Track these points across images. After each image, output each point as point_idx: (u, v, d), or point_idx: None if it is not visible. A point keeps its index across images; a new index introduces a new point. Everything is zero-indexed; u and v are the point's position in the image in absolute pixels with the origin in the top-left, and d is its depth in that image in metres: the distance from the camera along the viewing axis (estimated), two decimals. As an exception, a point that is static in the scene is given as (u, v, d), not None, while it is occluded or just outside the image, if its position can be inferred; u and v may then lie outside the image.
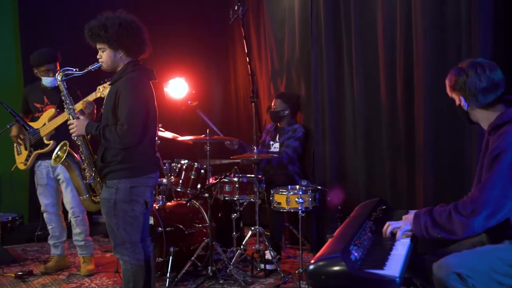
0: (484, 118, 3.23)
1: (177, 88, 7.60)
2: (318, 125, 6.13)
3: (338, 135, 5.96)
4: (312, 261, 2.75)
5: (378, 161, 5.46)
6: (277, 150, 6.34)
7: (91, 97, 4.77)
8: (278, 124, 6.50)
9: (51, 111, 5.59)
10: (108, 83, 4.78)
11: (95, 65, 4.04)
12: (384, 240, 3.23)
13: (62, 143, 4.28)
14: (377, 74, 5.34)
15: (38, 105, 5.71)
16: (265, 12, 7.01)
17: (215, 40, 7.96)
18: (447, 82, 3.33)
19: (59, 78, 4.09)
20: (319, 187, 5.57)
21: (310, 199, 5.47)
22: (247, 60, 6.50)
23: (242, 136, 6.90)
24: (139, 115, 3.90)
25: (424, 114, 4.69)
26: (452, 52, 4.48)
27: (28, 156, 5.72)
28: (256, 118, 6.77)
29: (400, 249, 3.03)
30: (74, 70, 4.08)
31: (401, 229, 3.26)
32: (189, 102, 7.34)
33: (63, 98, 4.12)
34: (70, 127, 4.09)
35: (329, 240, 3.08)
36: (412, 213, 3.32)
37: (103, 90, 4.72)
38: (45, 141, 5.58)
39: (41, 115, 5.67)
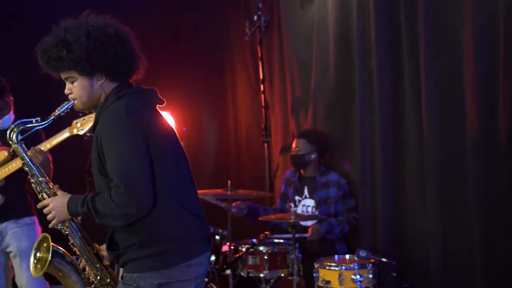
0: None
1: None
2: (366, 172, 4.88)
3: (395, 186, 4.75)
4: None
5: (461, 223, 4.30)
6: (312, 208, 5.00)
7: (55, 140, 3.88)
8: (302, 171, 5.12)
9: (1, 154, 4.26)
10: (90, 114, 3.79)
11: (65, 107, 2.88)
12: None
13: (40, 237, 3.03)
14: (461, 99, 4.25)
15: None
16: (284, 25, 5.72)
17: (208, 64, 6.60)
18: None
19: (13, 138, 2.90)
20: (384, 260, 4.36)
21: (371, 276, 4.30)
22: (262, 88, 5.35)
23: (244, 186, 5.52)
24: (137, 165, 2.67)
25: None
26: None
27: None
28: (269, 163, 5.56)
29: None
30: (34, 121, 2.89)
31: None
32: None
33: (26, 168, 2.95)
34: (45, 211, 2.86)
35: None
36: None
37: (81, 126, 3.75)
38: None
39: None
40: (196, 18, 6.51)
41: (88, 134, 3.82)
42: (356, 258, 4.36)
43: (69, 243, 2.93)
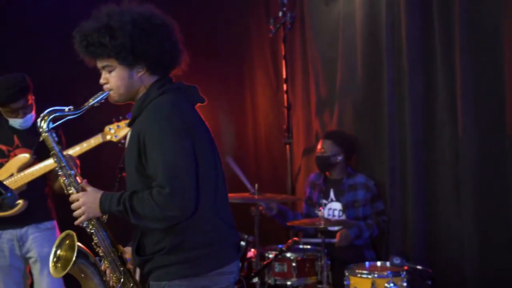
0: None
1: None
2: (395, 175, 4.69)
3: (427, 190, 4.56)
4: None
5: (500, 230, 4.15)
6: (339, 212, 4.84)
7: (85, 145, 3.76)
8: (327, 173, 4.94)
9: (23, 157, 4.11)
10: (125, 121, 3.75)
11: (99, 97, 2.73)
12: None
13: (63, 234, 2.87)
14: (500, 100, 4.09)
15: (3, 147, 4.19)
16: (307, 22, 5.54)
17: (225, 63, 6.42)
18: None
19: (44, 126, 2.75)
20: (420, 267, 4.18)
21: (405, 284, 4.12)
22: (285, 87, 5.28)
23: (263, 188, 5.31)
24: (184, 166, 2.54)
25: None
26: None
27: None
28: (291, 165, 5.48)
29: None
30: (66, 109, 2.74)
31: None
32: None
33: (55, 159, 2.79)
34: (73, 206, 2.72)
35: None
36: None
37: (116, 132, 3.69)
38: None
39: (6, 161, 4.15)
40: (213, 16, 6.34)
41: (122, 141, 3.72)
42: (388, 265, 4.23)
43: (93, 243, 2.78)
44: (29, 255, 4.19)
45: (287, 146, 5.42)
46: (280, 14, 5.06)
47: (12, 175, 4.03)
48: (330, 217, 4.81)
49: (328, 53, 5.34)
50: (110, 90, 2.68)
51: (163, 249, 2.60)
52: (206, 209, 2.61)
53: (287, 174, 5.45)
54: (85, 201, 2.67)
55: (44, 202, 4.15)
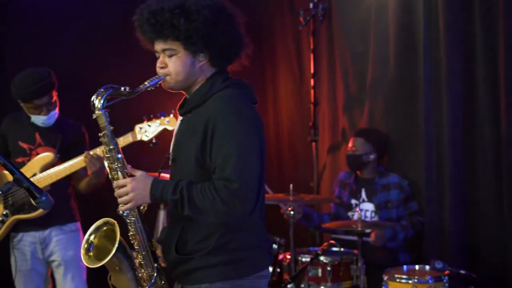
0: None
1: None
2: (432, 175, 4.50)
3: (466, 191, 4.38)
4: None
5: None
6: (371, 213, 4.67)
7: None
8: (358, 172, 4.77)
9: (46, 156, 3.96)
10: (157, 119, 3.66)
11: (155, 81, 2.55)
12: None
13: (101, 221, 2.70)
14: None
15: (24, 146, 4.04)
16: (335, 14, 5.33)
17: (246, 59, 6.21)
18: None
19: (98, 104, 2.52)
20: (463, 272, 4.01)
21: None
22: (312, 83, 5.13)
23: (287, 189, 5.12)
24: (255, 163, 2.48)
25: None
26: None
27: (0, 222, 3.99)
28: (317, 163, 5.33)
29: None
30: (122, 88, 2.55)
31: None
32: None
33: (104, 140, 2.58)
34: (119, 192, 2.54)
35: None
36: None
37: (146, 131, 3.63)
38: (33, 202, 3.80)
39: (27, 160, 3.99)
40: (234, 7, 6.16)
41: (154, 141, 3.58)
42: (427, 269, 4.07)
43: (129, 234, 2.63)
44: (52, 258, 4.06)
45: (313, 143, 5.25)
46: (311, 5, 4.90)
47: (34, 175, 3.87)
48: (362, 218, 4.64)
49: (358, 47, 5.15)
50: (167, 75, 2.54)
51: (207, 247, 2.50)
52: (258, 211, 2.54)
53: (312, 173, 5.29)
54: (135, 187, 2.50)
55: (67, 203, 4.02)
